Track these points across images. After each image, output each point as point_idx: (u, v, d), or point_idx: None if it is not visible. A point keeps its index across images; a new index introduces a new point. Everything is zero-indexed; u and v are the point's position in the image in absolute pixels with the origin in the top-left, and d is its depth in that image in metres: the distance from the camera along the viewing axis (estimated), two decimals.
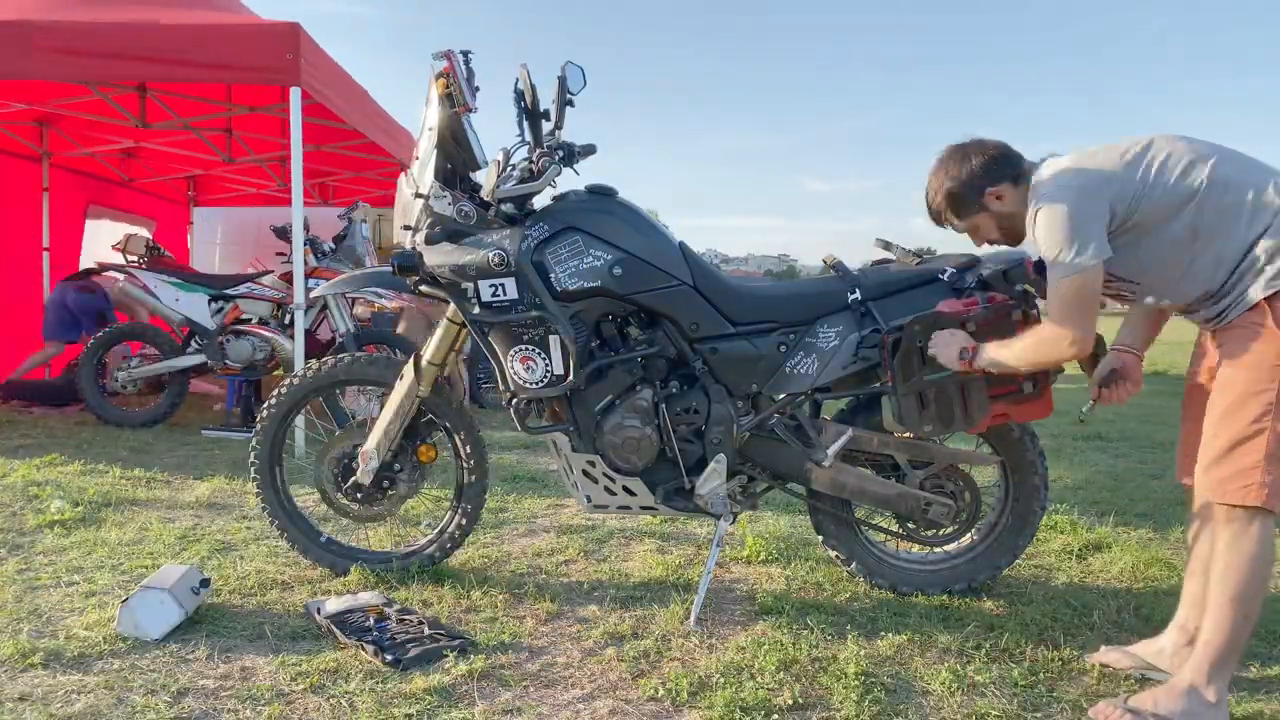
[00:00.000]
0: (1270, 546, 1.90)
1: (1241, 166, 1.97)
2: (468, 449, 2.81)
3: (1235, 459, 1.91)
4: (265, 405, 2.85)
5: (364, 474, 2.75)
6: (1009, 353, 2.18)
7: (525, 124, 2.53)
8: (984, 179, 2.16)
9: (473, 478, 2.83)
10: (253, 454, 2.85)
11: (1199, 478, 1.99)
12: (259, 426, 2.85)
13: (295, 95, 4.83)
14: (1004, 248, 2.37)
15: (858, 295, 2.55)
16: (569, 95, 2.48)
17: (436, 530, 2.90)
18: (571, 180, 2.64)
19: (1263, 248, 1.90)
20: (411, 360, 2.72)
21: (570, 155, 2.57)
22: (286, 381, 2.84)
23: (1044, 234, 2.01)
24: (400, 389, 2.72)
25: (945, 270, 2.54)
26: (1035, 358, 2.14)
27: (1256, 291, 1.90)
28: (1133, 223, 1.99)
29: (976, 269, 2.53)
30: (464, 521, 2.84)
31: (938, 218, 2.28)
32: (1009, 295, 2.43)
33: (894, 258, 2.70)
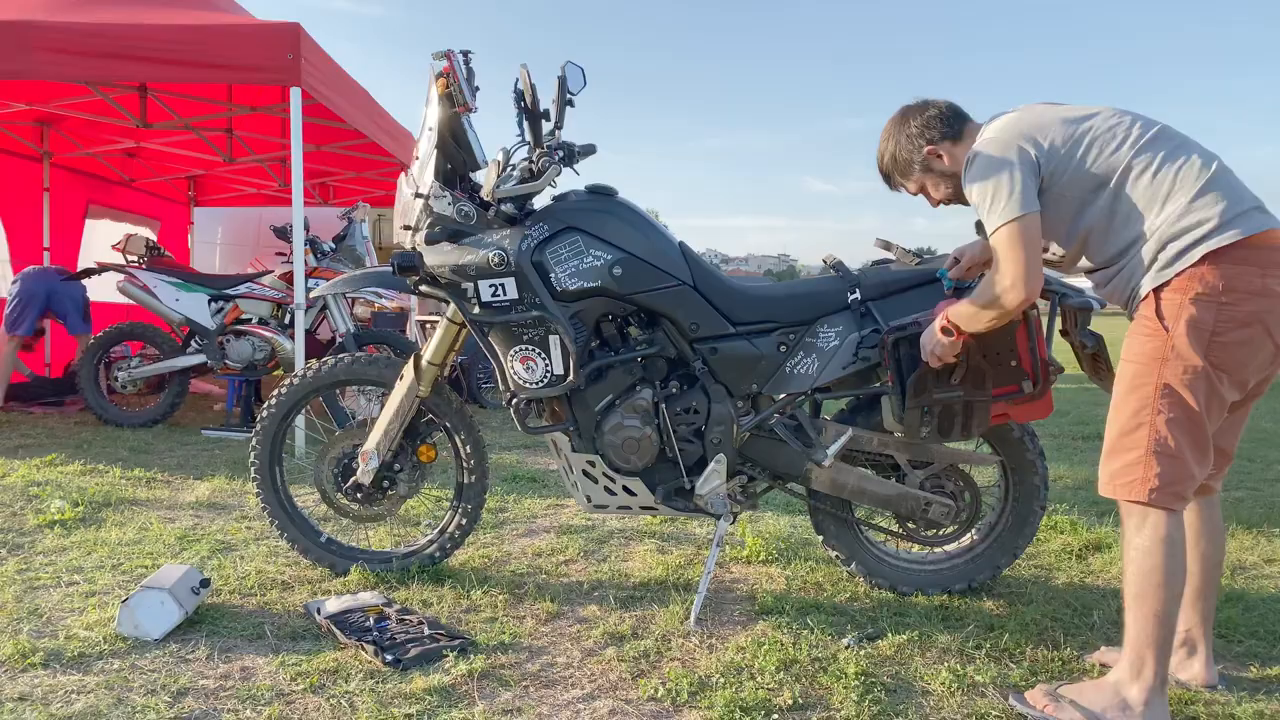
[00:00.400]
0: (1166, 543, 1.87)
1: (1174, 148, 1.94)
2: (468, 449, 2.81)
3: (1120, 453, 1.92)
4: (265, 405, 2.85)
5: (364, 474, 2.75)
6: (966, 309, 2.15)
7: (525, 124, 2.54)
8: (922, 138, 2.21)
9: (473, 478, 2.83)
10: (253, 454, 2.85)
11: (1099, 472, 2.00)
12: (259, 426, 2.85)
13: (295, 95, 4.83)
14: None
15: (858, 295, 2.55)
16: (569, 95, 2.48)
17: (436, 530, 2.90)
18: (571, 180, 2.65)
19: (1156, 237, 1.89)
20: (411, 360, 2.73)
21: (570, 155, 2.57)
22: (286, 381, 2.85)
23: (975, 186, 2.02)
24: (400, 389, 2.72)
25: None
26: (985, 313, 2.10)
27: (1147, 283, 1.91)
28: (1056, 190, 1.99)
29: None
30: (464, 521, 2.85)
31: (888, 180, 2.33)
32: None
33: (894, 258, 2.70)
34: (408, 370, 2.73)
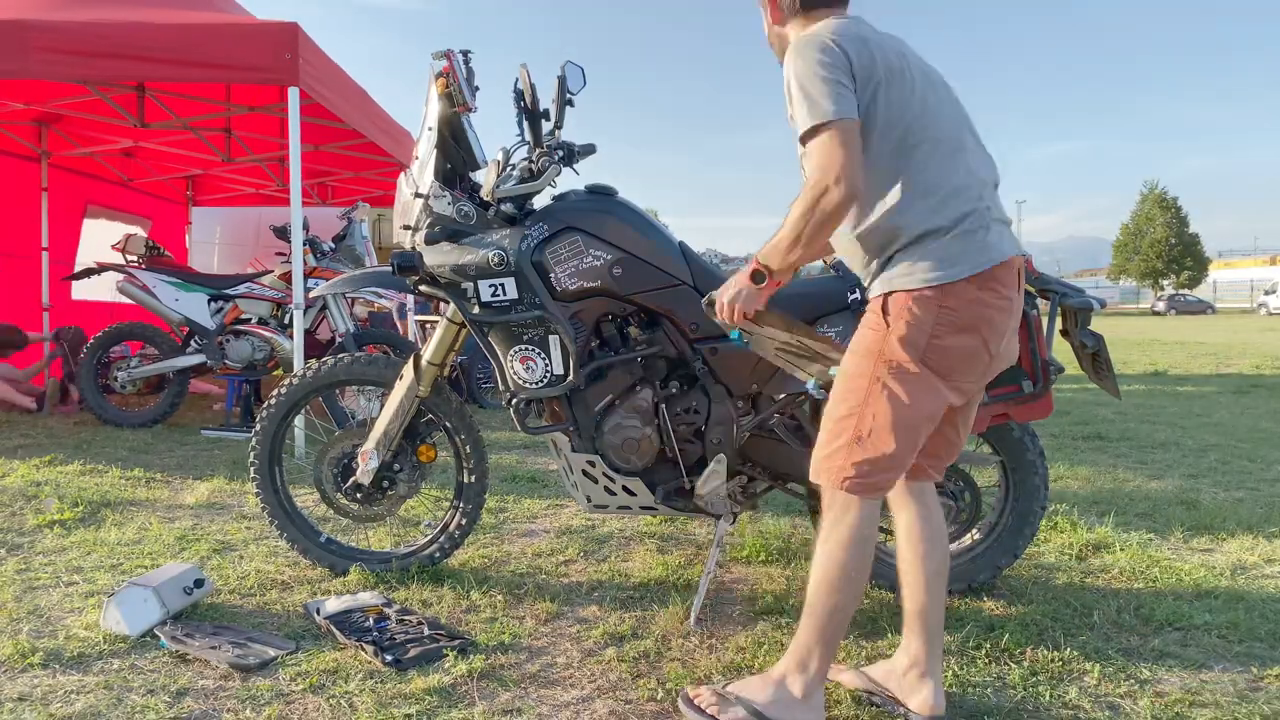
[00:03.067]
0: (855, 542, 1.84)
1: (958, 144, 1.86)
2: (468, 449, 2.81)
3: (830, 440, 1.89)
4: (265, 405, 2.85)
5: (364, 474, 2.75)
6: (780, 235, 1.85)
7: (525, 124, 2.53)
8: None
9: (473, 478, 2.83)
10: (252, 454, 2.85)
11: (811, 456, 1.93)
12: (258, 426, 2.85)
13: (293, 95, 4.83)
14: None
15: (858, 295, 2.55)
16: (569, 95, 2.48)
17: (436, 530, 2.90)
18: (571, 180, 2.65)
19: (906, 250, 1.82)
20: (411, 360, 2.72)
21: (570, 155, 2.57)
22: (286, 381, 2.84)
23: (791, 88, 1.83)
24: (400, 389, 2.72)
25: None
26: (804, 224, 1.78)
27: (877, 286, 1.87)
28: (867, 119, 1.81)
29: None
30: (464, 521, 2.84)
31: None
32: None
33: None
34: (407, 370, 2.72)
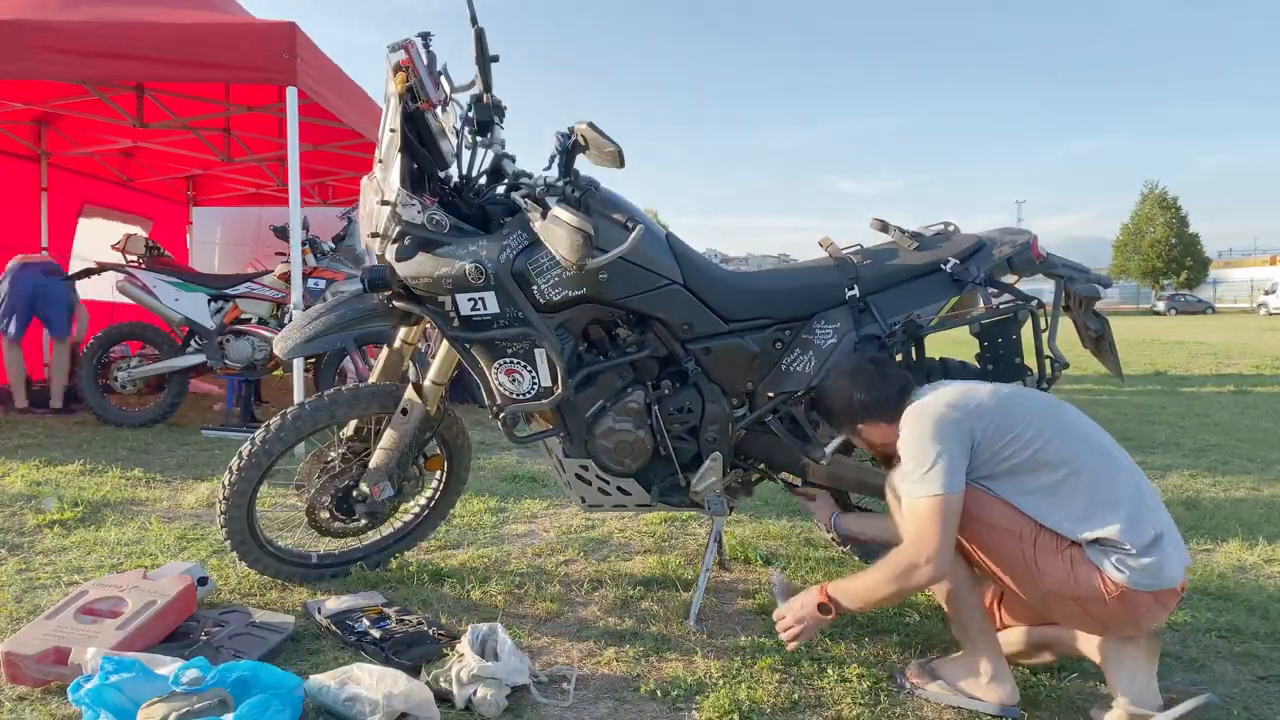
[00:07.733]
0: None
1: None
2: (451, 456, 2.89)
3: None
4: (229, 482, 2.60)
5: (378, 504, 2.72)
6: (862, 585, 1.95)
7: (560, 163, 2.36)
8: (860, 415, 2.15)
9: (449, 485, 2.94)
10: (226, 526, 2.63)
11: None
12: (225, 494, 2.60)
13: (291, 95, 4.82)
14: (1009, 226, 2.44)
15: (856, 291, 2.45)
16: (489, 55, 2.33)
17: (402, 523, 2.96)
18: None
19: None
20: (411, 389, 2.63)
21: (497, 111, 2.42)
22: (278, 421, 2.61)
23: (905, 446, 1.95)
24: (409, 422, 2.63)
25: (948, 261, 2.45)
26: (890, 589, 1.90)
27: None
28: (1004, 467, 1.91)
29: (980, 255, 2.46)
30: (425, 527, 2.96)
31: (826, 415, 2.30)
32: (1015, 296, 2.43)
33: (891, 239, 2.60)
34: (411, 401, 2.62)
